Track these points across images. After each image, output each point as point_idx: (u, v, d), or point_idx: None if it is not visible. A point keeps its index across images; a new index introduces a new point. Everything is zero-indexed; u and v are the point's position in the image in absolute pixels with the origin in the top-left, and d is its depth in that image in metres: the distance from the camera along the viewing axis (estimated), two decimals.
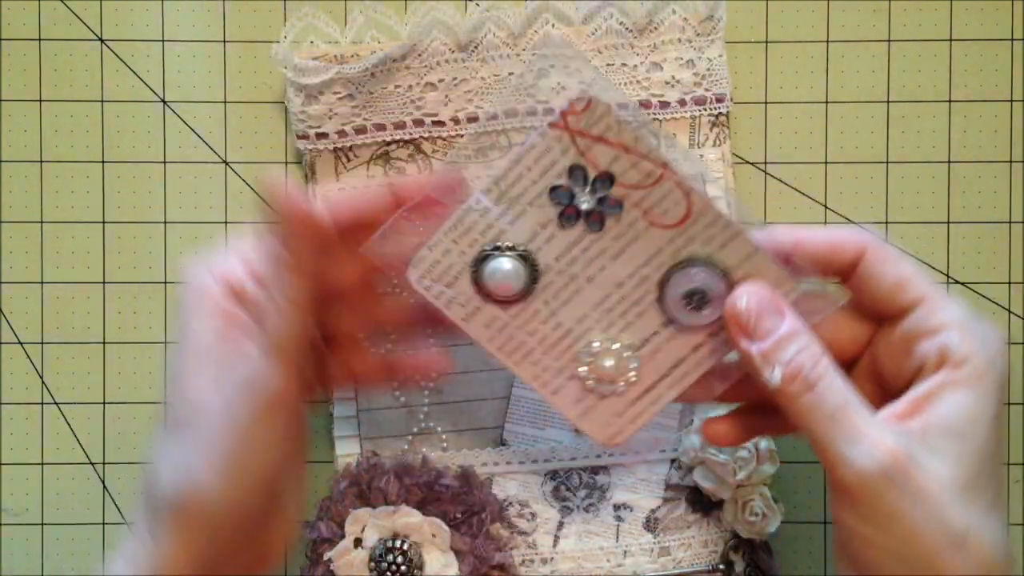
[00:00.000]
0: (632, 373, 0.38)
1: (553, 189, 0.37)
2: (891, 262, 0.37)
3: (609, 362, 0.38)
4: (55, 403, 0.50)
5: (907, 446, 0.33)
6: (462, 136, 0.49)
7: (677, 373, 0.38)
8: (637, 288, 0.38)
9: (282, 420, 0.36)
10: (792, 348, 0.35)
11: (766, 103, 0.50)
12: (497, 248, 0.37)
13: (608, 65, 0.48)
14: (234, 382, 0.36)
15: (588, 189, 0.37)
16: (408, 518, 0.46)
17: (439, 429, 0.49)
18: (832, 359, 0.35)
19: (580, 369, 0.38)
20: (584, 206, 0.37)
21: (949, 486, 0.33)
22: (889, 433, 0.34)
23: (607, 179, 0.37)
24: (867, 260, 0.37)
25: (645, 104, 0.48)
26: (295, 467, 0.38)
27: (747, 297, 0.36)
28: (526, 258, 0.37)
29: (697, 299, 0.37)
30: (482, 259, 0.37)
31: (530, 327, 0.38)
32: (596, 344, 0.38)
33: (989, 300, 0.50)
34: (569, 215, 0.37)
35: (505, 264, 0.37)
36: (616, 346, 0.38)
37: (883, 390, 0.38)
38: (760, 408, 0.40)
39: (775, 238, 0.37)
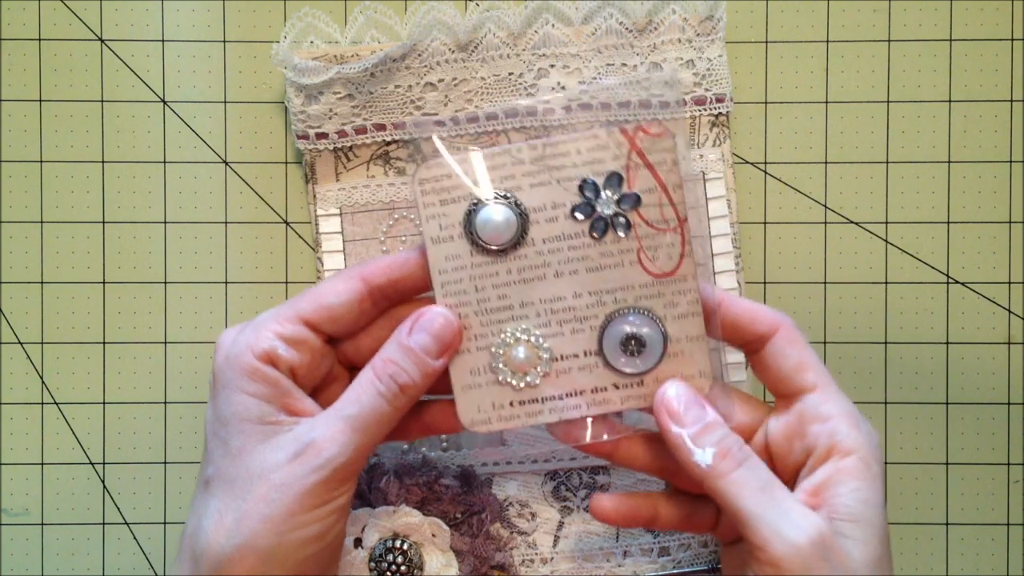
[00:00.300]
0: (534, 376, 0.39)
1: (585, 180, 0.38)
2: (797, 346, 0.39)
3: (522, 354, 0.39)
4: (55, 403, 0.50)
5: (826, 529, 0.36)
6: (462, 136, 0.49)
7: (567, 403, 0.39)
8: (590, 308, 0.39)
9: (341, 484, 0.37)
10: (719, 432, 0.38)
11: (766, 103, 0.50)
12: (506, 197, 0.38)
13: (608, 65, 0.48)
14: (294, 444, 0.37)
15: (616, 198, 0.38)
16: (408, 518, 0.46)
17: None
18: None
19: (495, 345, 0.39)
20: (603, 210, 0.38)
21: (862, 565, 0.36)
22: (812, 517, 0.36)
23: (634, 201, 0.38)
24: (778, 338, 0.39)
25: (645, 104, 0.48)
26: (343, 522, 0.39)
27: (676, 388, 0.39)
28: (523, 222, 0.38)
29: (633, 348, 0.39)
30: (487, 199, 0.38)
31: (481, 283, 0.39)
32: (522, 332, 0.39)
33: (989, 300, 0.50)
34: (584, 209, 0.38)
35: (504, 214, 0.38)
36: (538, 345, 0.39)
37: (773, 469, 0.40)
38: (648, 500, 0.42)
39: (705, 292, 0.40)
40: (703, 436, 0.38)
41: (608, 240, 0.39)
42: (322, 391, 0.41)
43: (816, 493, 0.37)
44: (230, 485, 0.37)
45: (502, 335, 0.39)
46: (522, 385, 0.39)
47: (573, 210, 0.38)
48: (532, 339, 0.39)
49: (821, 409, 0.39)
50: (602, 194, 0.38)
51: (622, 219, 0.38)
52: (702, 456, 0.37)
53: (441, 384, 0.39)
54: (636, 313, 0.39)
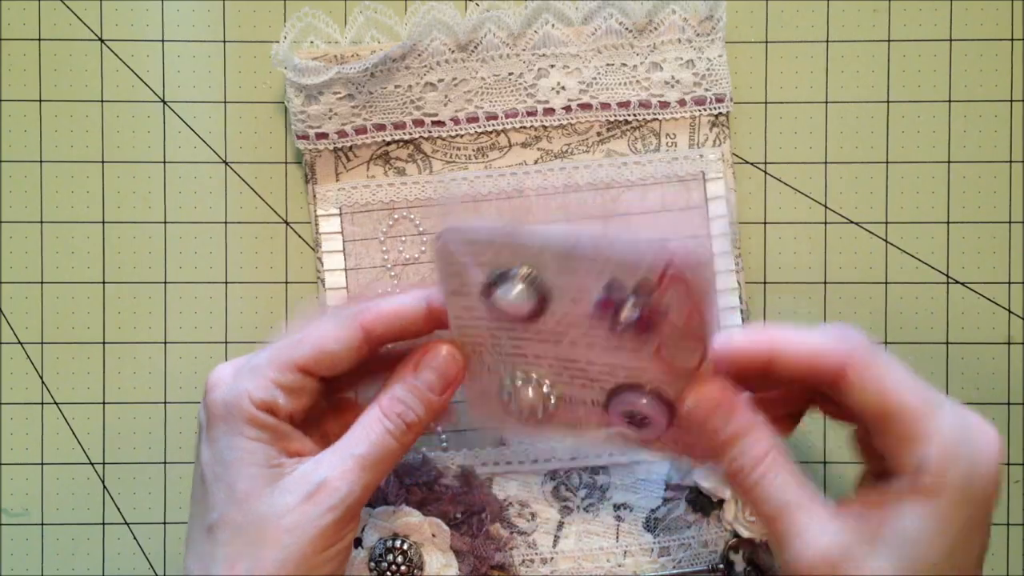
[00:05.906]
0: (540, 413, 0.40)
1: (614, 280, 0.36)
2: (875, 370, 0.36)
3: (531, 394, 0.39)
4: (55, 403, 0.50)
5: (845, 545, 0.35)
6: (462, 136, 0.49)
7: (572, 426, 0.40)
8: (602, 374, 0.38)
9: (350, 522, 0.38)
10: (735, 451, 0.36)
11: (766, 103, 0.50)
12: (530, 275, 0.37)
13: (608, 65, 0.48)
14: (304, 486, 0.37)
15: (640, 304, 0.36)
16: (408, 518, 0.46)
17: (439, 429, 0.49)
18: (781, 454, 0.36)
19: (505, 377, 0.39)
20: (627, 314, 0.36)
21: None
22: (829, 532, 0.35)
23: (661, 314, 0.36)
24: (850, 371, 0.36)
25: (645, 104, 0.49)
26: (346, 563, 0.39)
27: (695, 398, 0.37)
28: (544, 299, 0.37)
29: (638, 421, 0.39)
30: (510, 275, 0.37)
31: (497, 333, 0.39)
32: (534, 378, 0.39)
33: (989, 300, 0.50)
34: (607, 310, 0.36)
35: (525, 295, 0.37)
36: (547, 393, 0.39)
37: (880, 461, 0.38)
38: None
39: (753, 341, 0.37)
40: (718, 454, 0.37)
41: (629, 335, 0.37)
42: (308, 420, 0.41)
43: (866, 505, 0.36)
44: (239, 532, 0.37)
45: (512, 374, 0.39)
46: (528, 417, 0.40)
47: (597, 304, 0.36)
48: (543, 387, 0.39)
49: (910, 432, 0.35)
50: (629, 300, 0.36)
51: (642, 324, 0.36)
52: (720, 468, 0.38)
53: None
54: (647, 394, 0.38)
